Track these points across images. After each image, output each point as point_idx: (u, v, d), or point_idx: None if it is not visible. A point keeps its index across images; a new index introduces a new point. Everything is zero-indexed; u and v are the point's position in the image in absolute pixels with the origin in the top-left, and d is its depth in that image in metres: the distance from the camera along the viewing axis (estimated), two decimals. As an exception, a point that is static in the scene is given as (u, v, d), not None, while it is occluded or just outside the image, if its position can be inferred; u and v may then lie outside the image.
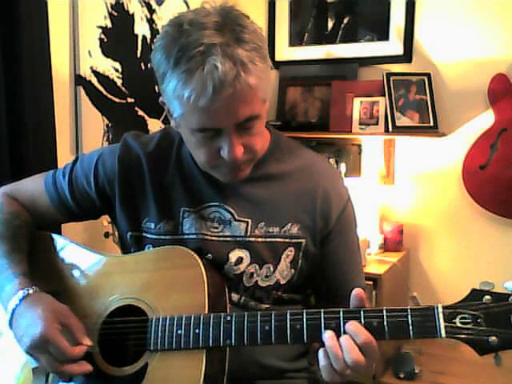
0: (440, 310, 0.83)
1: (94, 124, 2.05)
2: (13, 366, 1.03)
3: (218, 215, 1.06)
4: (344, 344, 0.84)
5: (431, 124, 2.43)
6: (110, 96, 2.11)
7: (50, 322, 0.94)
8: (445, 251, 2.54)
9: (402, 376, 2.17)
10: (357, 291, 0.88)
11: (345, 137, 2.63)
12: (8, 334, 0.99)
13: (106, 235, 1.97)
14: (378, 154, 2.60)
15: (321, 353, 0.87)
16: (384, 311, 0.86)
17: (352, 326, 0.86)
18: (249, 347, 0.95)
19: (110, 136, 2.11)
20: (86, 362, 0.96)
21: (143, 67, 2.24)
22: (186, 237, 1.07)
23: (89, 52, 2.01)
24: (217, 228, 1.06)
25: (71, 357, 0.94)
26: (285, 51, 2.80)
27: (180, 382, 0.94)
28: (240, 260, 1.04)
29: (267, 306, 1.07)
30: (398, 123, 2.44)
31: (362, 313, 0.86)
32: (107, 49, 2.08)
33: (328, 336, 0.86)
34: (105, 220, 1.81)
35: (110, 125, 2.11)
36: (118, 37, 2.13)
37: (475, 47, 2.40)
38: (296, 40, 2.78)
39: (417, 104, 2.45)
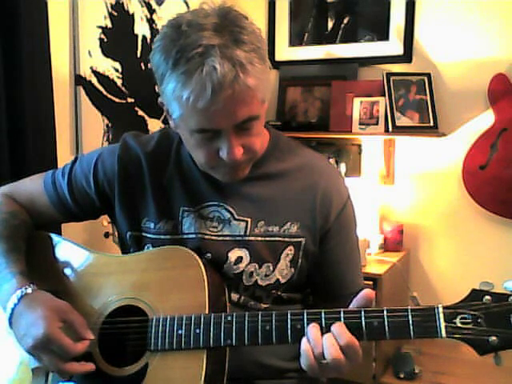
0: (440, 310, 0.83)
1: (94, 124, 2.06)
2: (10, 367, 1.03)
3: (217, 214, 1.06)
4: (325, 340, 0.85)
5: (431, 124, 2.43)
6: (110, 96, 2.11)
7: (51, 320, 0.94)
8: (445, 251, 2.54)
9: (401, 376, 2.17)
10: (367, 292, 0.88)
11: (345, 137, 2.63)
12: (4, 334, 0.99)
13: (106, 235, 1.98)
14: (378, 154, 2.60)
15: (304, 338, 0.88)
16: (384, 311, 0.86)
17: (336, 327, 0.86)
18: (249, 347, 0.95)
19: (110, 136, 2.12)
20: (88, 363, 0.97)
21: (143, 67, 2.24)
22: (185, 236, 1.07)
23: (89, 52, 2.01)
24: (216, 227, 1.06)
25: (75, 353, 0.95)
26: (285, 51, 2.80)
27: (180, 382, 0.94)
28: (239, 259, 1.04)
29: (267, 305, 1.07)
30: (398, 123, 2.44)
31: (362, 313, 0.87)
32: (107, 49, 2.08)
33: (312, 325, 0.88)
34: (105, 220, 1.81)
35: (109, 125, 2.11)
36: (117, 37, 2.13)
37: (475, 47, 2.40)
38: (296, 40, 2.78)
39: (417, 104, 2.45)
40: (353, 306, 0.89)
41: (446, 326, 0.82)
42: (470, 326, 0.82)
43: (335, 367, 0.86)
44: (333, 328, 0.86)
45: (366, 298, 0.88)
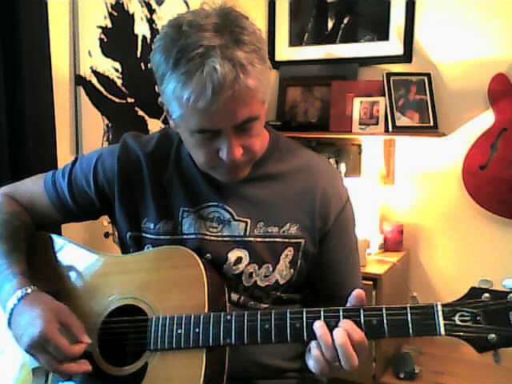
0: (439, 307, 0.83)
1: (94, 124, 2.06)
2: (11, 367, 1.03)
3: (217, 215, 1.07)
4: (339, 340, 0.85)
5: (431, 124, 2.43)
6: (110, 96, 2.11)
7: (49, 321, 0.94)
8: (445, 251, 2.54)
9: (401, 376, 2.17)
10: (357, 292, 0.88)
11: (345, 137, 2.63)
12: (6, 334, 0.99)
13: (106, 235, 1.98)
14: (378, 154, 2.60)
15: (313, 343, 0.87)
16: (383, 309, 0.86)
17: (347, 323, 0.86)
18: (248, 346, 0.96)
19: (110, 136, 2.12)
20: (85, 361, 0.97)
21: (143, 67, 2.25)
22: (185, 237, 1.07)
23: (89, 52, 2.01)
24: (216, 228, 1.06)
25: (70, 355, 0.94)
26: (285, 51, 2.80)
27: (180, 382, 0.94)
28: (239, 260, 1.04)
29: (266, 305, 1.07)
30: (398, 123, 2.44)
31: (361, 311, 0.87)
32: (107, 49, 2.08)
33: (319, 325, 0.87)
34: (105, 220, 1.81)
35: (109, 125, 2.11)
36: (117, 37, 2.13)
37: (475, 47, 2.40)
38: (296, 40, 2.78)
39: (417, 104, 2.45)
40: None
41: (445, 324, 0.82)
42: (468, 324, 0.82)
43: (350, 366, 0.85)
44: (343, 325, 0.86)
45: (358, 298, 0.88)
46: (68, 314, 0.99)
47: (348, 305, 0.89)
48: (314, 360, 0.88)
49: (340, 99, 2.58)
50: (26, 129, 1.67)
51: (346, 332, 0.85)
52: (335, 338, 0.85)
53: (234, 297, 1.05)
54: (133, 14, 2.19)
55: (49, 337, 0.93)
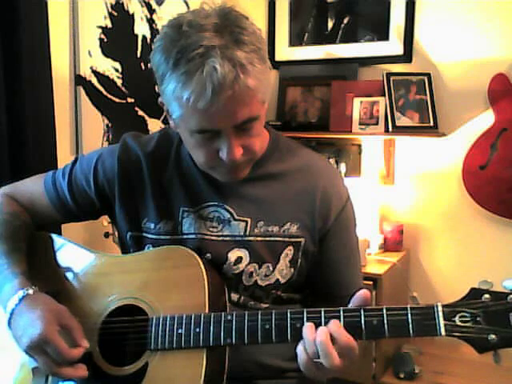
0: (440, 308, 0.83)
1: (94, 124, 2.06)
2: (12, 367, 1.03)
3: (217, 215, 1.07)
4: (318, 338, 0.84)
5: (431, 124, 2.43)
6: (110, 96, 2.11)
7: (49, 322, 0.94)
8: (445, 251, 2.54)
9: (401, 376, 2.17)
10: (363, 292, 0.88)
11: (345, 137, 2.63)
12: (6, 334, 0.99)
13: (106, 235, 1.98)
14: (378, 154, 2.60)
15: (300, 345, 0.88)
16: (384, 310, 0.86)
17: (334, 324, 0.86)
18: (249, 346, 0.95)
19: (110, 136, 2.12)
20: (82, 366, 0.96)
21: (143, 67, 2.25)
22: (185, 237, 1.07)
23: (89, 52, 2.01)
24: (216, 227, 1.06)
25: (69, 358, 0.94)
26: (285, 51, 2.80)
27: (180, 382, 0.94)
28: (239, 259, 1.04)
29: (266, 305, 1.07)
30: (398, 123, 2.44)
31: (362, 311, 0.87)
32: (107, 49, 2.08)
33: (308, 324, 0.87)
34: (105, 220, 1.81)
35: (109, 125, 2.11)
36: (117, 37, 2.13)
37: (475, 47, 2.40)
38: (296, 40, 2.78)
39: (417, 104, 2.45)
40: (350, 306, 0.89)
41: (445, 325, 0.82)
42: (469, 325, 0.82)
43: (330, 366, 0.85)
44: (329, 325, 0.86)
45: (363, 299, 0.88)
46: (68, 316, 0.98)
47: (351, 305, 0.88)
48: (298, 355, 0.88)
49: (340, 99, 2.58)
50: (26, 129, 1.67)
51: (328, 331, 0.85)
52: (316, 335, 0.85)
53: (234, 297, 1.05)
54: (133, 14, 2.19)
55: (48, 338, 0.93)
